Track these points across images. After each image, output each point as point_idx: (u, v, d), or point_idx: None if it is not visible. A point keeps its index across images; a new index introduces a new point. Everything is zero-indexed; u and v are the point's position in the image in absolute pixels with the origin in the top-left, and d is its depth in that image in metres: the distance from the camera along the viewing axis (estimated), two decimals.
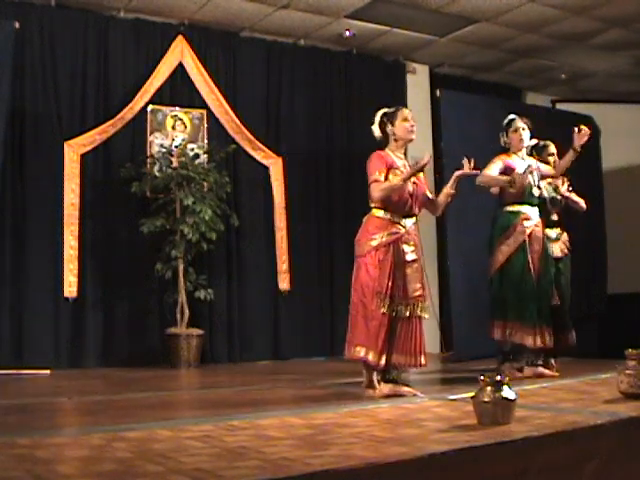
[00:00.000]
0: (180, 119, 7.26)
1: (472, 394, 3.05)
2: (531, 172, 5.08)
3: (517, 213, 5.06)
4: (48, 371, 6.10)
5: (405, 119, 4.37)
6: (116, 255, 6.84)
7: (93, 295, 6.70)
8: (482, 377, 3.01)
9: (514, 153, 5.15)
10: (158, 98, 7.08)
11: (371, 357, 4.04)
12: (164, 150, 6.95)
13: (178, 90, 7.25)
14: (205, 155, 7.14)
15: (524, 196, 5.06)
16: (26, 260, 6.44)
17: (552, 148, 5.69)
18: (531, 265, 4.97)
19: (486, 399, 2.94)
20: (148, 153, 7.00)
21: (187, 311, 6.67)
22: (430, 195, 4.47)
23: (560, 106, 9.57)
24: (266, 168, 7.55)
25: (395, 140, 4.40)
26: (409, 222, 4.25)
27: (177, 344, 6.53)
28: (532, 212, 5.09)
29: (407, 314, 4.12)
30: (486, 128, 7.60)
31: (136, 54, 7.11)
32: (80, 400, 4.45)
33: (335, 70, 8.16)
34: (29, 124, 6.59)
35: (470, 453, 2.45)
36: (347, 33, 7.78)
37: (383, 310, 4.05)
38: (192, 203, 6.60)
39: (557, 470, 2.60)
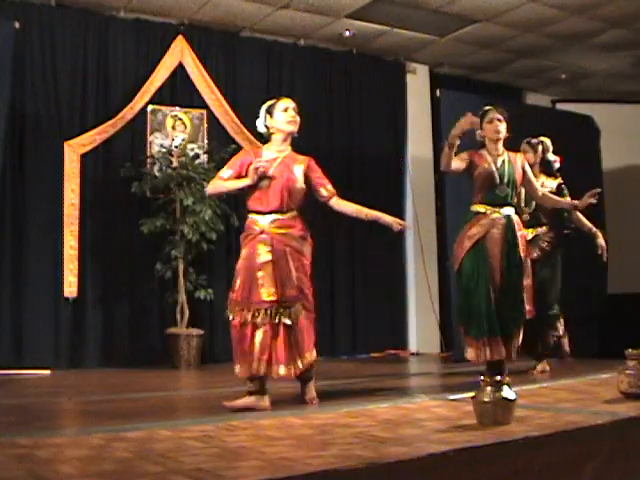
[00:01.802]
0: (180, 119, 7.26)
1: (472, 394, 3.05)
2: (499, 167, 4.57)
3: (475, 213, 4.58)
4: (48, 371, 6.10)
5: (285, 109, 4.01)
6: (116, 255, 6.84)
7: (93, 295, 6.70)
8: (482, 377, 3.01)
9: (486, 147, 4.69)
10: (158, 98, 7.08)
11: (237, 370, 3.86)
12: (164, 150, 6.95)
13: (178, 90, 7.25)
14: (205, 155, 7.14)
15: (485, 195, 4.57)
16: (26, 260, 6.44)
17: (548, 143, 5.46)
18: (484, 271, 4.44)
19: (486, 399, 2.94)
20: (148, 153, 7.00)
21: (187, 311, 6.68)
22: (324, 190, 4.04)
23: (560, 106, 9.57)
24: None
25: (273, 134, 4.05)
26: (266, 220, 3.83)
27: (177, 344, 6.53)
28: (493, 213, 4.54)
29: (262, 321, 3.72)
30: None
31: (136, 54, 7.11)
32: (80, 400, 4.45)
33: (335, 70, 8.16)
34: (29, 124, 6.59)
35: (470, 453, 2.45)
36: (347, 33, 7.79)
37: (231, 317, 3.80)
38: (192, 203, 6.60)
39: (557, 470, 2.60)
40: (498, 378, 3.00)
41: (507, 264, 4.48)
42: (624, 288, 8.62)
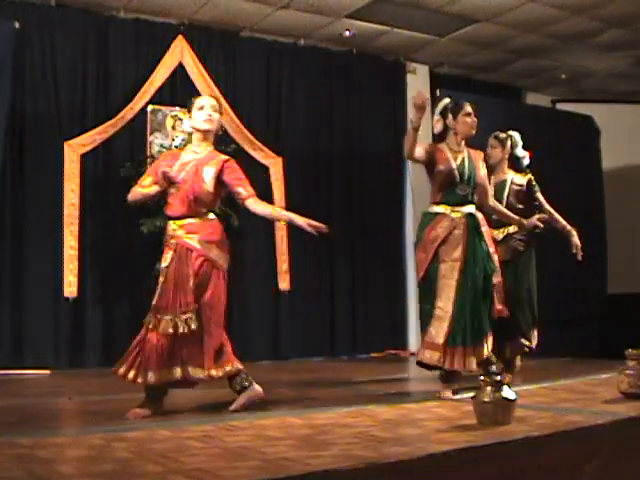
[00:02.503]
0: (180, 119, 7.24)
1: (472, 394, 3.05)
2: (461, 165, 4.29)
3: (433, 215, 4.29)
4: (48, 371, 6.10)
5: (201, 107, 3.81)
6: (116, 255, 6.84)
7: (93, 295, 6.70)
8: (482, 377, 3.02)
9: (447, 142, 4.38)
10: (158, 98, 7.08)
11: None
12: (164, 150, 6.94)
13: (178, 90, 7.24)
14: None
15: (445, 194, 4.29)
16: (26, 260, 6.44)
17: (517, 138, 5.18)
18: (438, 277, 4.17)
19: (486, 399, 2.95)
20: (148, 153, 6.99)
21: None
22: (241, 191, 3.80)
23: (560, 106, 9.58)
24: (266, 168, 7.55)
25: (190, 134, 3.93)
26: (175, 225, 3.76)
27: None
28: (453, 213, 4.26)
29: (162, 327, 3.60)
30: (486, 128, 7.62)
31: (136, 54, 7.10)
32: (80, 400, 4.45)
33: (335, 70, 8.16)
34: (29, 124, 6.59)
35: (470, 453, 2.45)
36: (347, 33, 7.78)
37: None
38: None
39: (557, 470, 2.60)
40: (498, 378, 3.00)
41: (473, 264, 4.19)
42: (624, 288, 8.63)
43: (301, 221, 3.63)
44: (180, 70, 7.18)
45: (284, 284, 7.50)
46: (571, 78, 9.36)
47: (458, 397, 3.93)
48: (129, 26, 7.10)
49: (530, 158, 5.14)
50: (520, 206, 5.00)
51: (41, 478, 2.16)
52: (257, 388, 3.78)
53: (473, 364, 4.05)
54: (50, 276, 6.50)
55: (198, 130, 3.83)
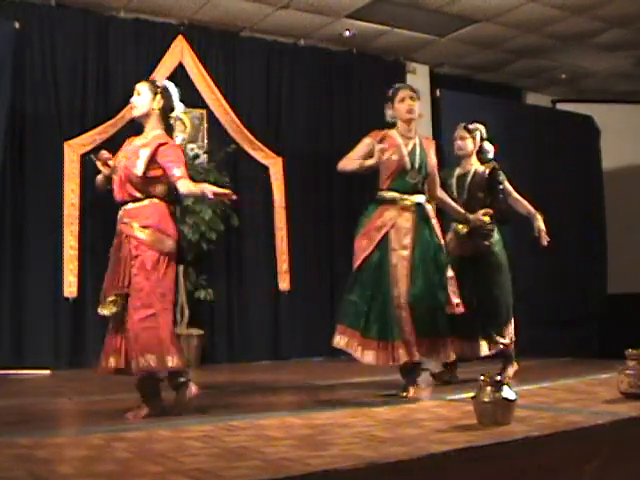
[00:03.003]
0: (180, 119, 7.22)
1: (472, 394, 3.05)
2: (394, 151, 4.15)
3: (380, 202, 4.17)
4: (48, 371, 6.10)
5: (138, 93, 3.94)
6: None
7: (93, 295, 6.68)
8: (482, 377, 3.01)
9: (397, 128, 4.27)
10: None
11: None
12: None
13: (178, 90, 7.23)
14: (205, 155, 7.14)
15: (394, 182, 4.16)
16: (26, 260, 6.44)
17: (484, 131, 5.12)
18: (390, 266, 4.00)
19: (486, 399, 2.95)
20: None
21: (187, 311, 6.68)
22: (172, 172, 3.65)
23: (560, 106, 9.58)
24: (266, 168, 7.55)
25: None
26: (121, 211, 3.73)
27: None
28: (401, 201, 4.12)
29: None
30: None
31: (136, 54, 7.10)
32: (80, 400, 4.45)
33: (335, 70, 8.16)
34: (29, 124, 6.58)
35: (470, 453, 2.45)
36: (347, 33, 7.78)
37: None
38: (192, 203, 6.60)
39: (557, 470, 2.60)
40: (498, 378, 3.00)
41: (422, 256, 4.01)
42: (624, 288, 8.63)
43: (207, 190, 3.59)
44: (180, 70, 7.18)
45: (284, 284, 7.50)
46: (571, 78, 9.36)
47: (459, 397, 3.93)
48: (129, 26, 7.10)
49: (495, 153, 5.06)
50: (480, 194, 4.90)
51: (41, 478, 2.16)
52: (193, 388, 3.63)
53: (420, 357, 3.95)
54: (50, 276, 6.49)
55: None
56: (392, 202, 4.11)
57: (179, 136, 7.19)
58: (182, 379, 3.61)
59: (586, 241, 8.51)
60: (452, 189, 4.93)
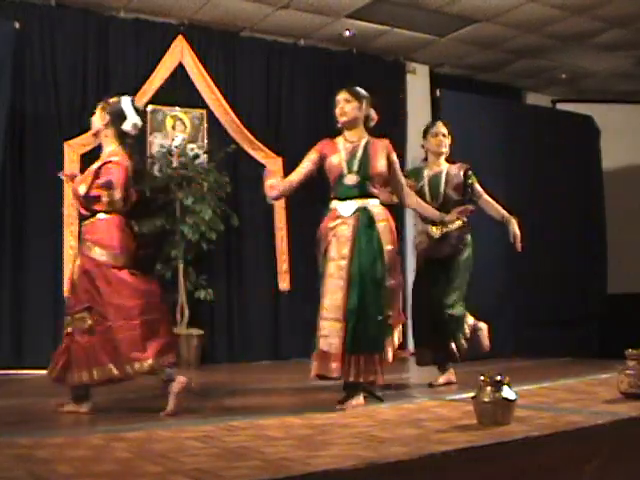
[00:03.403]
0: (180, 119, 7.26)
1: (472, 394, 3.05)
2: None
3: (328, 211, 4.12)
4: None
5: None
6: None
7: None
8: (482, 377, 3.01)
9: (343, 134, 4.19)
10: (158, 98, 7.08)
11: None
12: (164, 150, 6.95)
13: (178, 90, 7.24)
14: (205, 155, 7.14)
15: (335, 188, 4.10)
16: (26, 260, 6.44)
17: (439, 128, 4.93)
18: (326, 276, 3.88)
19: (486, 399, 2.94)
20: (148, 153, 7.00)
21: (187, 311, 6.68)
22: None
23: (560, 106, 9.58)
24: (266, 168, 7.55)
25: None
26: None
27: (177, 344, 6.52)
28: (342, 208, 4.00)
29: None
30: (486, 128, 7.64)
31: (136, 54, 7.10)
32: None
33: (335, 70, 8.15)
34: (29, 124, 6.58)
35: (470, 453, 2.45)
36: (347, 33, 7.78)
37: None
38: (192, 203, 6.60)
39: (557, 470, 2.60)
40: (498, 378, 3.00)
41: (359, 267, 3.81)
42: (624, 288, 8.63)
43: None
44: (180, 70, 7.18)
45: (284, 284, 7.50)
46: (571, 78, 9.36)
47: (459, 397, 3.93)
48: (129, 26, 7.10)
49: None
50: (457, 197, 4.76)
51: (41, 478, 2.16)
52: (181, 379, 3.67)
53: (352, 375, 3.73)
54: (50, 276, 6.49)
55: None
56: (334, 209, 4.03)
57: (179, 136, 7.25)
58: (165, 377, 3.66)
59: (586, 241, 8.51)
60: (424, 191, 4.75)
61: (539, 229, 7.86)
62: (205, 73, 7.25)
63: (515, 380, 4.03)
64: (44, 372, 5.96)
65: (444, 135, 4.88)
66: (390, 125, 8.53)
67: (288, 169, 7.58)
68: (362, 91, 4.46)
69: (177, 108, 7.24)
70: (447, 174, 4.79)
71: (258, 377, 6.03)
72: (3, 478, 2.19)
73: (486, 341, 4.90)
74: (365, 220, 3.91)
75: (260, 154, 7.49)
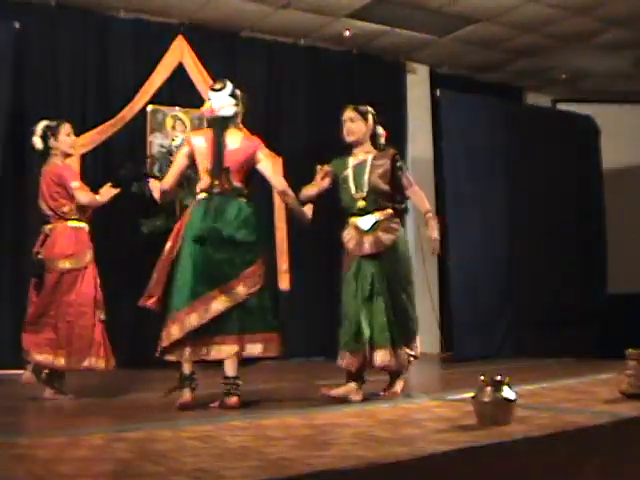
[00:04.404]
0: (180, 119, 7.26)
1: (472, 394, 3.05)
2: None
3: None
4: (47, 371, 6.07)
5: (69, 134, 4.72)
6: (116, 255, 6.83)
7: None
8: (482, 377, 3.01)
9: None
10: (158, 98, 7.08)
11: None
12: (164, 150, 6.95)
13: (178, 90, 7.24)
14: None
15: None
16: (26, 260, 6.42)
17: (346, 113, 4.51)
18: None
19: (486, 399, 2.94)
20: (148, 153, 7.00)
21: None
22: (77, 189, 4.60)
23: (560, 106, 9.59)
24: None
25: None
26: None
27: None
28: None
29: None
30: (486, 128, 7.64)
31: (136, 54, 7.11)
32: (80, 400, 4.45)
33: (335, 70, 8.16)
34: (29, 124, 6.57)
35: (470, 453, 2.45)
36: (347, 33, 7.79)
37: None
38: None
39: (557, 470, 2.59)
40: (498, 378, 3.00)
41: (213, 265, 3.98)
42: (624, 288, 8.63)
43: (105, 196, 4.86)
44: (180, 70, 7.18)
45: (284, 284, 7.49)
46: (571, 78, 9.36)
47: (459, 397, 3.93)
48: (129, 26, 7.10)
49: (386, 138, 4.63)
50: (386, 187, 4.31)
51: (41, 478, 2.16)
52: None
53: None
54: None
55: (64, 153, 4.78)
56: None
57: (179, 136, 7.26)
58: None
59: (586, 241, 8.50)
60: (348, 183, 4.42)
61: (539, 229, 7.87)
62: (205, 73, 7.24)
63: (515, 380, 4.03)
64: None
65: (351, 120, 4.45)
66: (390, 125, 8.55)
67: (288, 169, 7.60)
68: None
69: (177, 108, 7.24)
70: (372, 162, 4.36)
71: (258, 377, 6.03)
72: (3, 478, 2.19)
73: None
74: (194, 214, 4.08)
75: None
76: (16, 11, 6.44)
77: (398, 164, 4.36)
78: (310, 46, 8.02)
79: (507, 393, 2.96)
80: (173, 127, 7.20)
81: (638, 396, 3.47)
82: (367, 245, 4.31)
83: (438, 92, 7.46)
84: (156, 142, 7.09)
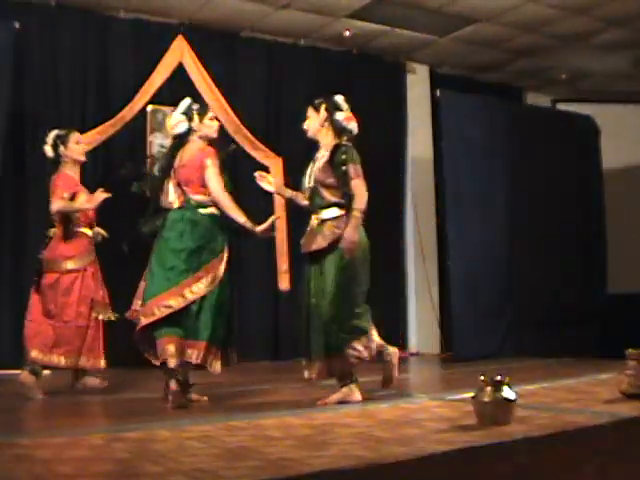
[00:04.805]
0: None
1: (472, 394, 3.05)
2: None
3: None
4: (48, 371, 6.08)
5: (78, 142, 4.97)
6: (116, 255, 6.82)
7: None
8: (482, 377, 3.01)
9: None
10: (158, 98, 7.07)
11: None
12: (164, 150, 6.94)
13: (178, 90, 7.22)
14: None
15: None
16: (26, 260, 6.43)
17: (338, 100, 4.31)
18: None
19: (486, 399, 2.95)
20: (148, 153, 7.00)
21: None
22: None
23: (560, 106, 9.59)
24: (266, 168, 7.54)
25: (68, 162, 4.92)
26: None
27: None
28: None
29: None
30: (486, 128, 7.64)
31: (136, 54, 7.10)
32: (80, 400, 4.45)
33: (335, 70, 8.15)
34: (29, 124, 6.58)
35: (470, 453, 2.45)
36: (347, 33, 7.78)
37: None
38: None
39: (557, 470, 2.59)
40: (498, 378, 3.00)
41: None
42: (624, 288, 8.63)
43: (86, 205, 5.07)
44: (180, 70, 7.18)
45: (284, 284, 7.49)
46: (571, 78, 9.36)
47: (459, 397, 3.92)
48: (129, 26, 7.10)
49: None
50: (330, 180, 4.07)
51: (41, 478, 2.16)
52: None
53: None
54: None
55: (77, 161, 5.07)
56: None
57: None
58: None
59: (586, 241, 8.50)
60: (304, 178, 4.31)
61: (539, 229, 7.87)
62: (205, 73, 7.24)
63: (515, 380, 4.03)
64: (44, 372, 6.00)
65: (307, 117, 4.48)
66: (390, 125, 8.56)
67: (288, 169, 7.61)
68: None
69: None
70: (322, 155, 4.23)
71: (258, 377, 6.03)
72: (3, 478, 2.19)
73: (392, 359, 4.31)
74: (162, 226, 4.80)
75: (260, 154, 7.48)
76: (16, 11, 6.43)
77: (342, 156, 4.06)
78: (310, 46, 8.01)
79: (507, 393, 2.96)
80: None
81: (638, 396, 3.47)
82: (308, 243, 4.27)
83: (438, 92, 7.45)
84: (156, 142, 7.09)
